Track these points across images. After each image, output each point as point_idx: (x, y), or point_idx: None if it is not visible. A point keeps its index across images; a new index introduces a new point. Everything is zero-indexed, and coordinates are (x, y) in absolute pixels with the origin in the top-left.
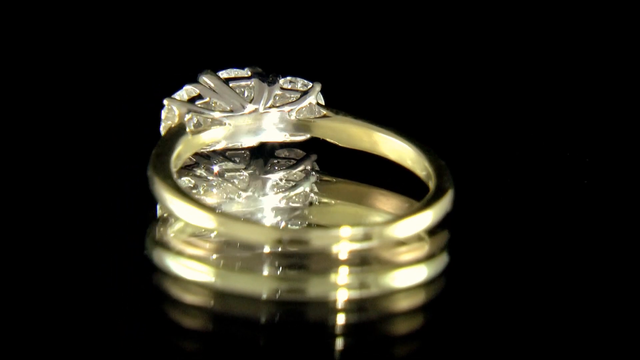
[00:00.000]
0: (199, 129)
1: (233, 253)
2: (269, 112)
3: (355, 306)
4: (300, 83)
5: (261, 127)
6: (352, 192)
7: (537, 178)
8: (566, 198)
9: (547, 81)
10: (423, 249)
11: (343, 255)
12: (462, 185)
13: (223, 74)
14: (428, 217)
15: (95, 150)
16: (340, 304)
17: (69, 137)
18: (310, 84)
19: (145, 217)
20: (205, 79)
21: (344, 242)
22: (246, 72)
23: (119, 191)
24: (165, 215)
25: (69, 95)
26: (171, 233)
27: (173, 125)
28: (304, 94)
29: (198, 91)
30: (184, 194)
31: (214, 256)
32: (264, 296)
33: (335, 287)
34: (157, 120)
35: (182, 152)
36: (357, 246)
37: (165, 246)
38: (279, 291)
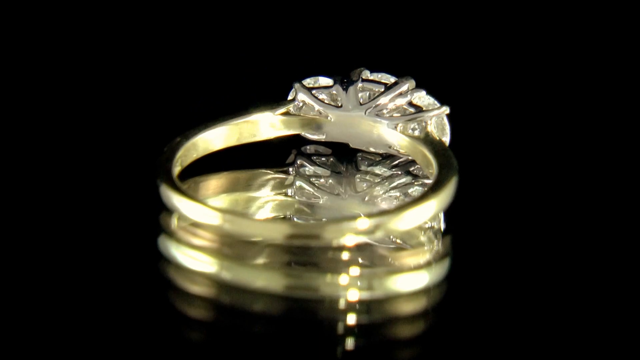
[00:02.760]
0: (296, 112)
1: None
2: (369, 118)
3: (358, 308)
4: (433, 104)
5: (358, 130)
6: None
7: (542, 179)
8: (570, 199)
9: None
10: (427, 253)
11: (351, 247)
12: (467, 188)
13: (367, 74)
14: (432, 205)
15: (108, 149)
16: (344, 305)
17: (85, 137)
18: (437, 105)
19: (152, 209)
20: (353, 74)
21: (350, 235)
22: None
23: (128, 187)
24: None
25: (94, 96)
26: (178, 223)
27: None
28: (419, 111)
29: (331, 82)
30: (188, 194)
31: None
32: (269, 290)
33: (340, 287)
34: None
35: (183, 155)
36: (364, 239)
37: (172, 235)
38: (284, 287)
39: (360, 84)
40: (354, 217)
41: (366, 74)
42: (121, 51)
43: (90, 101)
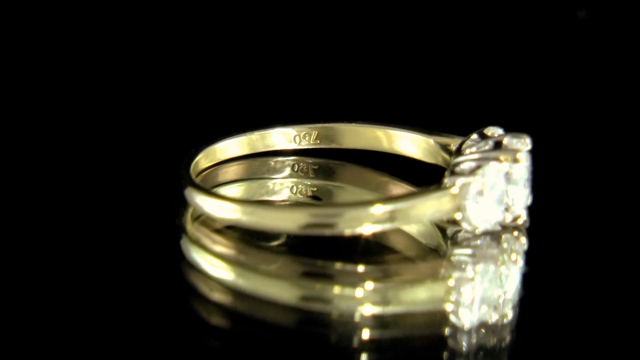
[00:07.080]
0: (452, 149)
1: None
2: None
3: (375, 321)
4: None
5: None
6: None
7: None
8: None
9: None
10: (443, 267)
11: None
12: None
13: (516, 142)
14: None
15: (136, 156)
16: (361, 319)
17: (115, 146)
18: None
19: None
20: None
21: (367, 225)
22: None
23: (152, 190)
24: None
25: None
26: (200, 226)
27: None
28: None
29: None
30: (204, 189)
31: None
32: (286, 302)
33: (358, 301)
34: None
35: (200, 160)
36: (382, 227)
37: (194, 239)
38: (301, 299)
39: (489, 141)
40: (370, 202)
41: (520, 141)
42: (172, 67)
43: (132, 115)
